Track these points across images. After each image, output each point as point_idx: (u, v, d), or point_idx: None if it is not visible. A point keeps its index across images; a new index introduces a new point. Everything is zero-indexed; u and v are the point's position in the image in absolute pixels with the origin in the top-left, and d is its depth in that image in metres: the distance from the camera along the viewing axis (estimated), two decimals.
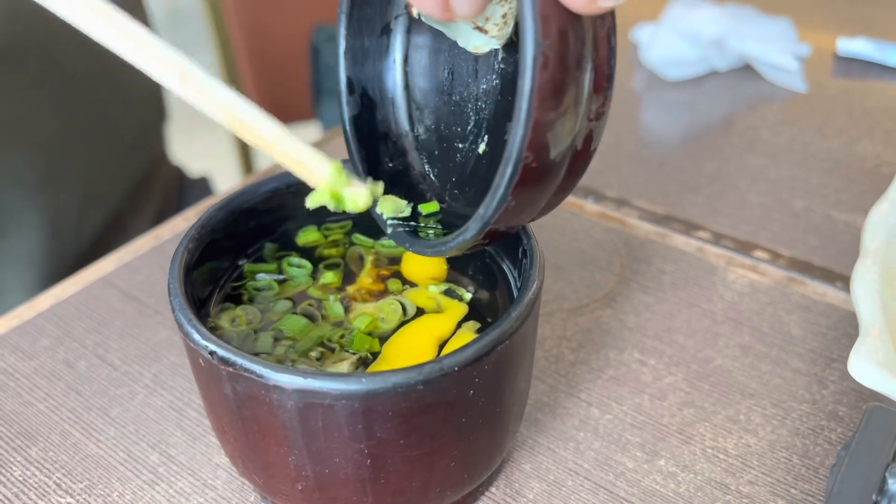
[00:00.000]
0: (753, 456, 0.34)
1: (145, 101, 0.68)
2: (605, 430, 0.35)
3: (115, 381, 0.38)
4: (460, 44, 0.30)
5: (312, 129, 1.18)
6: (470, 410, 0.27)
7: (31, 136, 0.56)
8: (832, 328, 0.40)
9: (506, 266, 0.33)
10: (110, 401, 0.37)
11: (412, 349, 0.29)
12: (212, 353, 0.25)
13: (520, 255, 0.31)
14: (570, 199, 0.50)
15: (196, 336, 0.26)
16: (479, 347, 0.25)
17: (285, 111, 1.17)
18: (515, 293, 0.32)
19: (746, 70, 0.66)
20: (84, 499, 0.33)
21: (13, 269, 0.56)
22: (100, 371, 0.38)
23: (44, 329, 0.41)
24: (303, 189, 0.35)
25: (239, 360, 0.25)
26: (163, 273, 0.44)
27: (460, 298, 0.32)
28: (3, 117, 0.54)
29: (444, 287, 0.32)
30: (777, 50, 0.64)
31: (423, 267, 0.34)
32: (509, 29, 0.28)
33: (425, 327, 0.30)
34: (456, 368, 0.25)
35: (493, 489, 0.33)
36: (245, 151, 1.16)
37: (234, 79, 1.11)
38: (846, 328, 0.40)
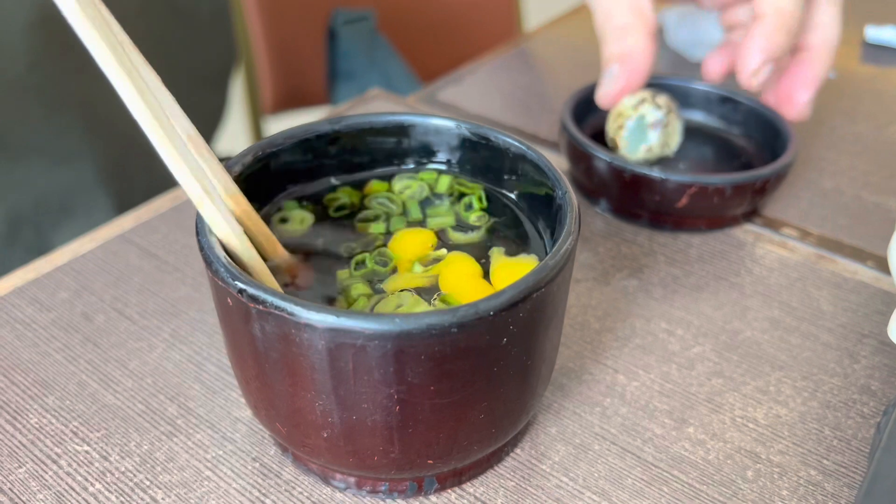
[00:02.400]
0: (784, 426, 0.33)
1: (208, 107, 0.70)
2: (632, 397, 0.35)
3: (133, 334, 0.37)
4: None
5: (326, 113, 1.17)
6: (502, 359, 0.26)
7: (107, 126, 0.57)
8: (863, 305, 0.40)
9: (539, 228, 0.32)
10: (128, 353, 0.36)
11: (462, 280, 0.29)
12: (241, 291, 0.25)
13: (554, 210, 0.30)
14: None
15: (225, 273, 0.25)
16: (514, 293, 0.25)
17: (300, 94, 1.16)
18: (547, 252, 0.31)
19: None
20: (101, 447, 0.32)
21: None
22: (118, 324, 0.38)
23: (62, 282, 0.40)
24: (335, 139, 0.34)
25: (269, 298, 0.24)
26: (182, 232, 0.44)
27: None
28: (82, 100, 0.55)
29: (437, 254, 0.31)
30: None
31: (411, 246, 0.32)
32: None
33: (462, 264, 0.30)
34: (491, 313, 0.24)
35: (518, 450, 0.32)
36: (256, 129, 1.16)
37: (249, 61, 1.10)
38: (877, 305, 0.40)
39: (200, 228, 0.27)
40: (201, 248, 0.27)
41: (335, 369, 0.25)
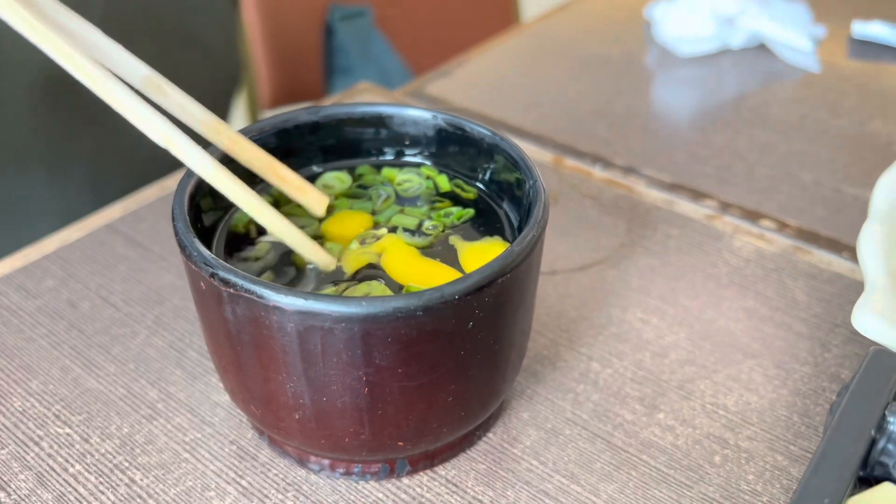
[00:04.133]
0: (753, 413, 0.34)
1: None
2: (604, 384, 0.35)
3: (117, 321, 0.38)
4: None
5: None
6: (469, 343, 0.27)
7: (114, 180, 0.58)
8: (837, 295, 0.40)
9: (508, 212, 0.33)
10: (112, 339, 0.37)
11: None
12: (213, 274, 0.25)
13: (524, 198, 0.31)
14: (578, 164, 0.50)
15: (197, 257, 0.26)
16: (480, 278, 0.25)
17: (297, 89, 1.16)
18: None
19: (760, 49, 0.66)
20: (82, 430, 0.33)
21: None
22: (102, 311, 0.38)
23: (48, 270, 0.41)
24: (314, 129, 0.35)
25: (240, 281, 0.25)
26: (168, 221, 0.44)
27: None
28: (88, 156, 0.56)
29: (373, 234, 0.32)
30: (792, 30, 0.64)
31: (349, 226, 0.33)
32: None
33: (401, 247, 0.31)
34: (456, 297, 0.25)
35: (490, 435, 0.33)
36: (253, 115, 1.16)
37: (246, 57, 1.11)
38: (851, 296, 0.40)
39: (176, 214, 0.28)
40: (176, 233, 0.27)
41: (305, 351, 0.25)
